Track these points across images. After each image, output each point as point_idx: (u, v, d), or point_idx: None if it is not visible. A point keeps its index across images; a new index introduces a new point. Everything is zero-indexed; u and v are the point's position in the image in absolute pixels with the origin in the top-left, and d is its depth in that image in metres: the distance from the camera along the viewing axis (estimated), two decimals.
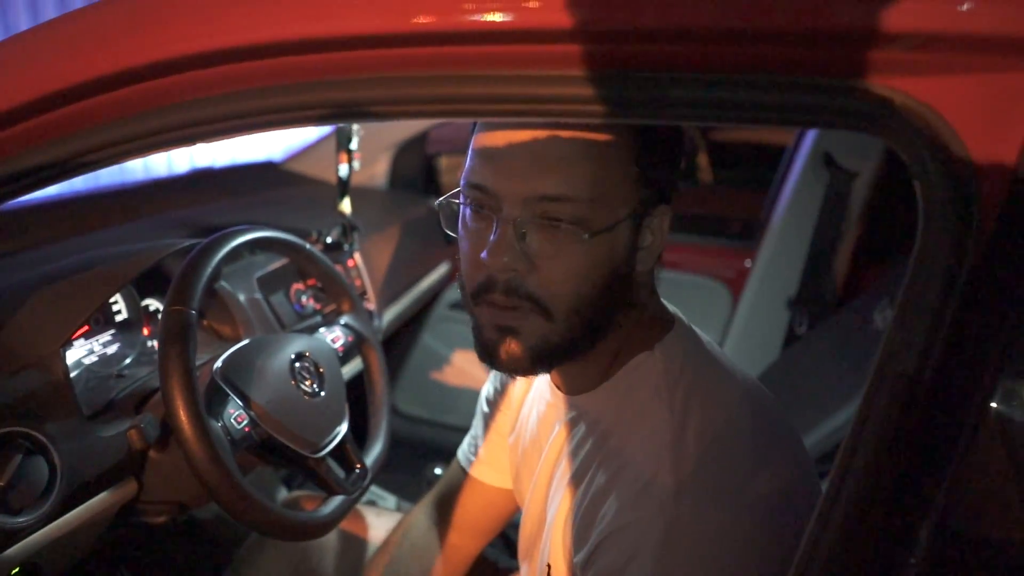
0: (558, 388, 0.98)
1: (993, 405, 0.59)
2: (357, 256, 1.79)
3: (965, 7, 0.56)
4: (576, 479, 0.91)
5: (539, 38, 0.65)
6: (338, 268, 1.48)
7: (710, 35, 0.62)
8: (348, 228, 1.77)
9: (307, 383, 1.19)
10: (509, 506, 1.24)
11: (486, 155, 0.83)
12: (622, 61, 0.66)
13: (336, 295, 1.45)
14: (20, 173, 0.84)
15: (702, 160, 3.99)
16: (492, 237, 0.82)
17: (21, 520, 0.90)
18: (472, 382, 2.61)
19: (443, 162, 2.86)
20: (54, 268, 1.13)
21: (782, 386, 2.30)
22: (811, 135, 2.49)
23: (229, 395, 1.07)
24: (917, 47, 0.58)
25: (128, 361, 1.22)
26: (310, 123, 0.79)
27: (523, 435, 1.10)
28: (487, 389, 1.23)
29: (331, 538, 1.44)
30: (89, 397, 1.08)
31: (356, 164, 1.78)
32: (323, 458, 1.16)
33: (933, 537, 0.60)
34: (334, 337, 1.36)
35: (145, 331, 1.27)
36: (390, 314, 2.04)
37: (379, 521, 1.51)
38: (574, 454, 0.93)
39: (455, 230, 0.89)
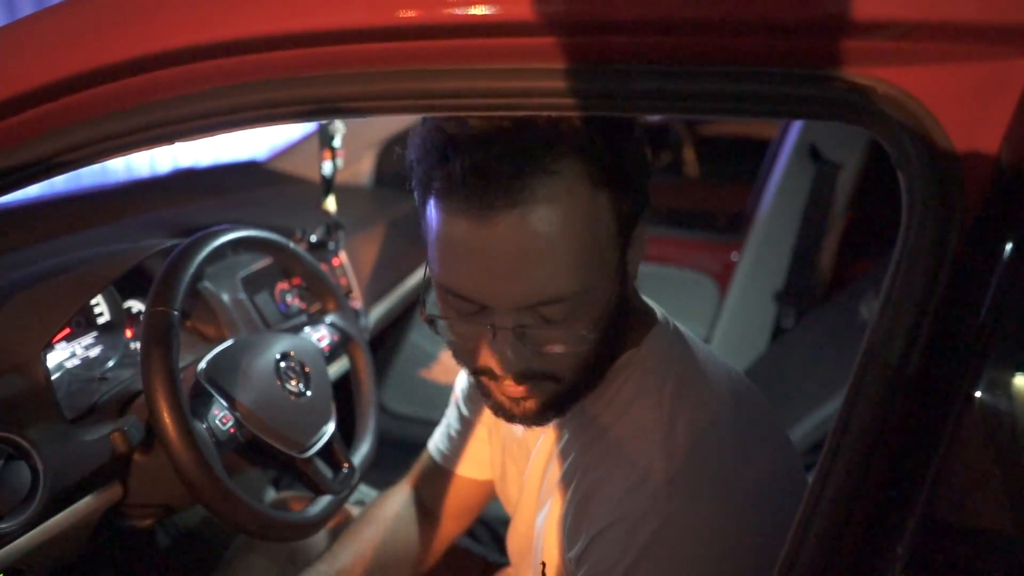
0: None
1: (977, 394, 0.59)
2: (342, 255, 1.78)
3: None
4: (568, 477, 0.91)
5: (516, 31, 0.64)
6: (323, 267, 1.48)
7: (691, 26, 0.62)
8: (333, 227, 1.76)
9: (293, 383, 1.18)
10: (485, 495, 1.25)
11: (459, 261, 0.77)
12: (600, 53, 0.65)
13: (321, 294, 1.45)
14: None
15: (688, 154, 4.00)
16: (492, 341, 0.79)
17: (3, 526, 0.88)
18: None
19: None
20: (34, 271, 1.11)
21: (769, 379, 2.31)
22: (796, 128, 2.50)
23: (214, 396, 1.06)
24: (899, 36, 0.58)
25: (111, 364, 1.21)
26: (291, 120, 0.78)
27: (507, 434, 1.09)
28: (462, 384, 1.23)
29: (319, 538, 1.43)
30: (71, 400, 1.06)
31: (340, 162, 1.76)
32: (310, 458, 1.16)
33: (919, 527, 0.60)
34: (320, 336, 1.35)
35: (128, 333, 1.26)
36: (377, 312, 2.03)
37: None
38: (565, 453, 0.93)
39: (446, 334, 0.86)
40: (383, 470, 1.53)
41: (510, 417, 0.88)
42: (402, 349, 2.71)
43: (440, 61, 0.69)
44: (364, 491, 1.77)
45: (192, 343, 1.31)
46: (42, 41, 0.76)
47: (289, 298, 1.54)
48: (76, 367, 1.14)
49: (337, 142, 1.74)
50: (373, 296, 2.00)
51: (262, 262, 1.50)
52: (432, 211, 0.78)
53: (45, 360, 1.01)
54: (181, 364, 1.02)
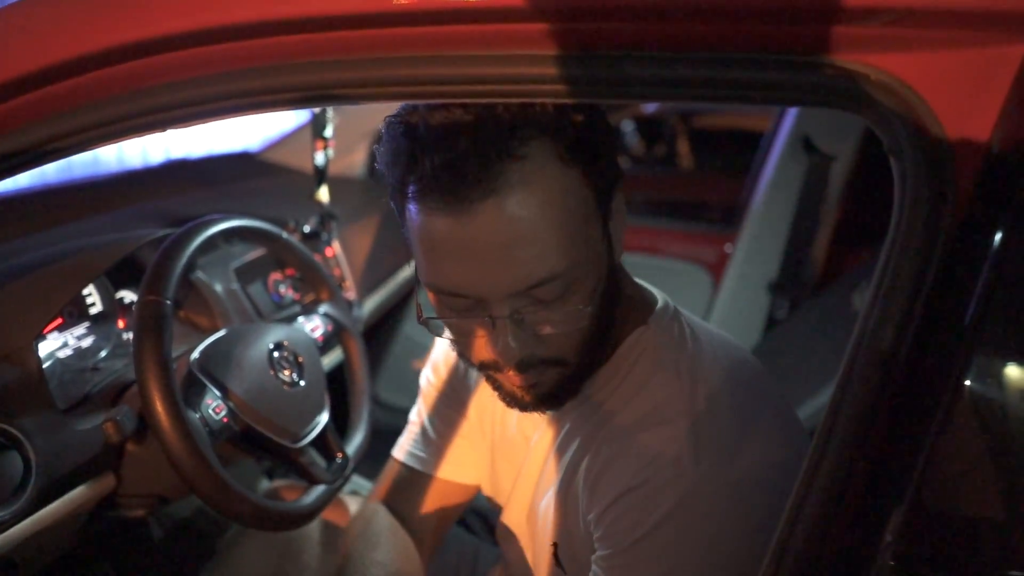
0: None
1: (967, 383, 0.59)
2: (335, 245, 1.77)
3: None
4: (579, 456, 0.92)
5: (509, 17, 0.64)
6: (316, 257, 1.47)
7: (683, 13, 0.62)
8: (326, 217, 1.76)
9: (286, 373, 1.18)
10: (468, 498, 1.21)
11: (444, 259, 0.77)
12: (592, 40, 0.65)
13: (315, 284, 1.44)
14: None
15: (682, 146, 4.00)
16: (492, 333, 0.79)
17: None
18: None
19: None
20: (25, 260, 1.11)
21: None
22: (790, 119, 2.50)
23: (207, 386, 1.06)
24: (891, 22, 0.58)
25: (103, 354, 1.20)
26: (284, 107, 0.78)
27: (497, 434, 1.09)
28: (426, 386, 1.20)
29: (313, 528, 1.43)
30: (64, 390, 1.06)
31: (332, 152, 1.76)
32: (304, 448, 1.16)
33: (908, 514, 0.60)
34: (313, 327, 1.35)
35: (120, 323, 1.26)
36: (370, 303, 2.03)
37: None
38: (573, 435, 0.94)
39: (445, 335, 0.86)
40: (376, 460, 1.53)
41: (524, 406, 0.89)
42: (395, 340, 2.71)
43: (433, 48, 0.69)
44: (357, 481, 1.78)
45: (185, 333, 1.31)
46: (32, 27, 0.76)
47: (282, 288, 1.54)
48: (68, 357, 1.14)
49: (329, 132, 1.74)
50: (366, 286, 2.00)
51: (255, 252, 1.50)
52: (411, 215, 0.78)
53: (37, 350, 1.01)
54: (174, 354, 1.02)
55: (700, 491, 0.80)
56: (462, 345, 0.86)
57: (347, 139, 2.18)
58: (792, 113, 2.47)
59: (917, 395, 0.61)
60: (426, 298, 0.86)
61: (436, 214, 0.75)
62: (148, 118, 0.78)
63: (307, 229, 1.70)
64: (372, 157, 2.58)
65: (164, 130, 0.80)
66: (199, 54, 0.72)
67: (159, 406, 0.96)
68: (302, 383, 1.19)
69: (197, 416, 1.02)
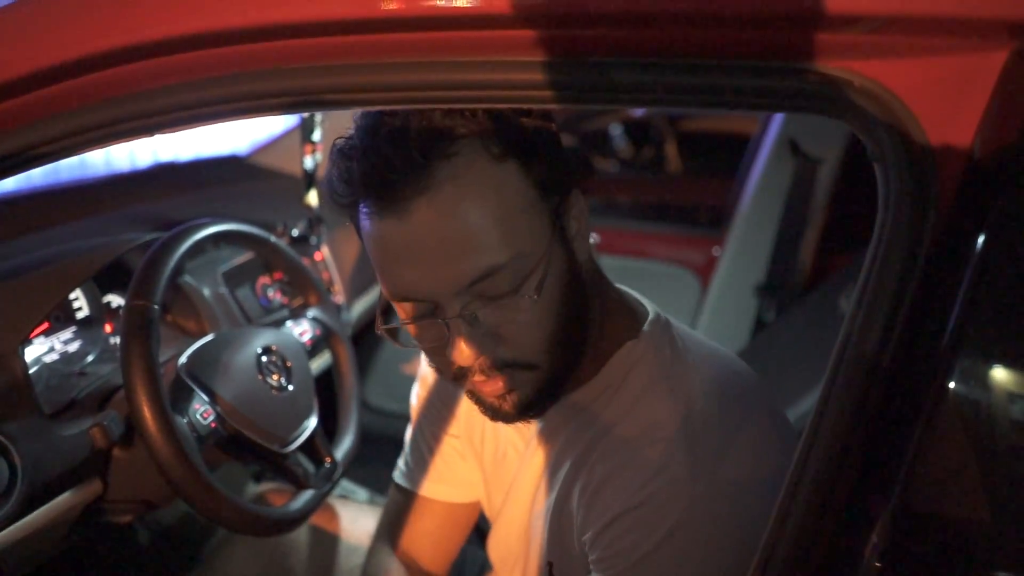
0: None
1: (951, 385, 0.59)
2: (324, 249, 1.77)
3: None
4: (573, 474, 0.91)
5: (498, 24, 0.64)
6: (305, 261, 1.47)
7: (670, 19, 0.62)
8: (315, 221, 1.75)
9: (274, 377, 1.18)
10: (472, 519, 1.19)
11: (391, 265, 0.79)
12: (580, 46, 0.66)
13: (303, 288, 1.44)
14: None
15: (670, 150, 4.01)
16: (448, 339, 0.80)
17: None
18: None
19: None
20: (11, 264, 1.10)
21: None
22: (776, 123, 2.51)
23: (195, 391, 1.06)
24: (874, 30, 0.59)
25: (90, 359, 1.20)
26: (272, 112, 0.78)
27: (487, 446, 1.08)
28: (417, 406, 1.18)
29: (302, 533, 1.43)
30: (50, 395, 1.06)
31: (320, 156, 1.76)
32: (292, 452, 1.16)
33: (894, 516, 0.61)
34: (302, 331, 1.34)
35: (107, 328, 1.25)
36: (359, 307, 2.02)
37: (350, 515, 1.50)
38: (566, 453, 0.92)
39: (413, 344, 0.87)
40: (365, 465, 1.53)
41: (505, 417, 0.87)
42: (384, 344, 2.70)
43: (422, 53, 0.69)
44: (346, 486, 1.77)
45: (173, 338, 1.30)
46: (19, 31, 0.75)
47: (271, 292, 1.53)
48: (54, 362, 1.14)
49: (318, 136, 1.74)
50: (355, 291, 1.99)
51: (243, 256, 1.49)
52: (362, 227, 0.81)
53: (23, 354, 1.01)
54: (161, 359, 1.01)
55: (698, 509, 0.79)
56: (431, 357, 0.87)
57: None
58: (779, 117, 2.49)
59: (902, 398, 0.61)
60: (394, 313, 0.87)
61: (375, 218, 0.77)
62: (136, 123, 0.78)
63: (296, 233, 1.70)
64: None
65: (153, 135, 0.80)
66: (188, 59, 0.72)
67: (146, 411, 0.96)
68: (290, 387, 1.19)
69: (185, 421, 1.02)
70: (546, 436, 0.96)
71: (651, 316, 0.92)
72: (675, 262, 2.82)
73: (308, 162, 1.75)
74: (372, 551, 1.19)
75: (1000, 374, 0.60)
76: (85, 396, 1.10)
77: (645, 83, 0.65)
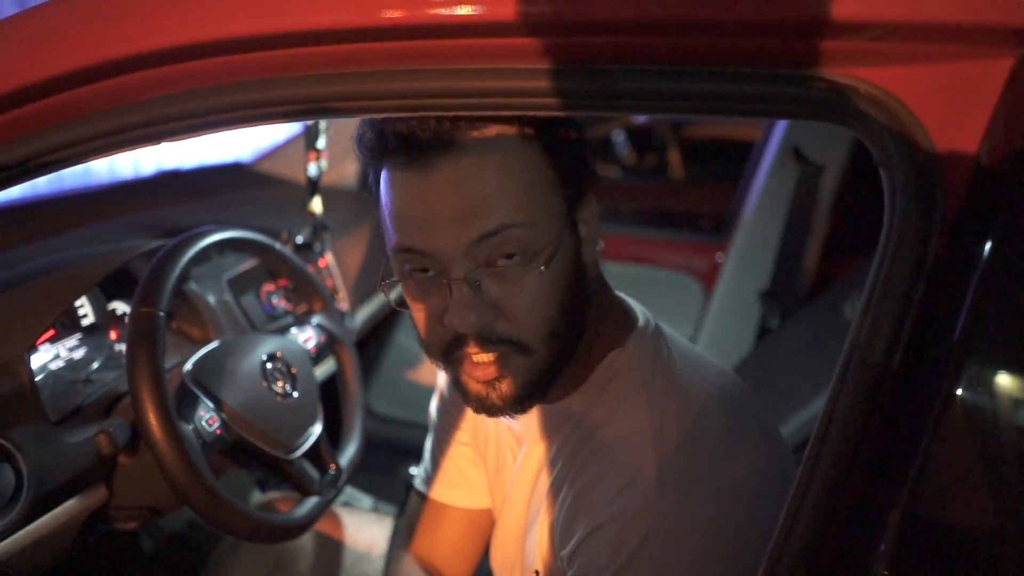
0: None
1: (959, 392, 0.59)
2: (328, 256, 1.77)
3: None
4: (559, 482, 0.91)
5: (501, 31, 0.65)
6: (309, 268, 1.47)
7: (675, 26, 0.62)
8: (319, 228, 1.76)
9: (279, 384, 1.18)
10: (491, 524, 1.18)
11: (406, 215, 0.80)
12: (584, 53, 0.66)
13: (307, 295, 1.44)
14: None
15: (673, 156, 4.02)
16: (449, 300, 0.80)
17: None
18: None
19: None
20: (17, 272, 1.11)
21: (755, 380, 2.32)
22: (780, 130, 2.51)
23: (200, 398, 1.06)
24: (880, 36, 0.59)
25: (96, 365, 1.20)
26: (276, 120, 0.78)
27: (489, 451, 1.08)
28: (435, 415, 1.19)
29: (306, 540, 1.43)
30: (56, 402, 1.06)
31: (325, 163, 1.76)
32: (296, 459, 1.15)
33: (902, 523, 0.61)
34: (306, 338, 1.34)
35: (112, 335, 1.25)
36: (363, 314, 2.03)
37: (355, 522, 1.50)
38: (555, 460, 0.92)
39: (406, 305, 0.87)
40: (369, 472, 1.53)
41: (489, 407, 0.86)
42: (388, 351, 2.70)
43: (425, 61, 0.70)
44: (351, 493, 1.77)
45: (178, 345, 1.30)
46: (25, 42, 0.76)
47: (275, 299, 1.53)
48: (60, 369, 1.14)
49: (322, 143, 1.74)
50: (359, 297, 2.00)
51: (248, 263, 1.50)
52: (383, 186, 0.83)
53: (29, 362, 1.01)
54: (167, 366, 1.02)
55: (668, 523, 0.78)
56: (426, 327, 0.86)
57: (340, 150, 2.18)
58: (782, 123, 2.49)
59: (909, 405, 0.61)
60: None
61: (399, 171, 0.80)
62: (141, 131, 0.78)
63: (300, 240, 1.70)
64: (365, 168, 2.58)
65: (157, 143, 0.81)
66: (192, 68, 0.72)
67: (152, 418, 0.96)
68: (295, 394, 1.19)
69: (190, 428, 1.02)
70: (539, 442, 0.96)
71: (640, 323, 0.92)
72: (678, 269, 2.82)
73: (312, 169, 1.75)
74: (391, 558, 1.20)
75: (1008, 380, 0.60)
76: (91, 403, 1.10)
77: (650, 90, 0.66)
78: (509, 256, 0.79)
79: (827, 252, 2.70)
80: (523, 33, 0.64)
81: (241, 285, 1.47)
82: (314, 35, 0.69)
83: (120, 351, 1.25)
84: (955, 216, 0.60)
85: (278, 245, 1.38)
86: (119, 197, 1.88)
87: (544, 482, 0.94)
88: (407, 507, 1.24)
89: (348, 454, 1.30)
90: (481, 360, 0.82)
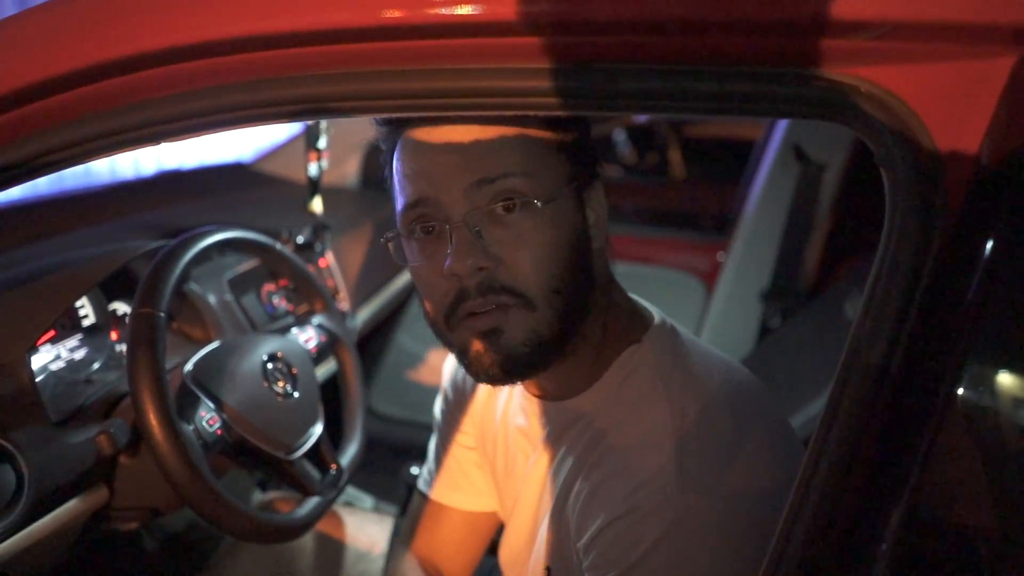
0: (541, 397, 0.97)
1: (960, 392, 0.59)
2: (329, 256, 1.77)
3: None
4: (572, 479, 0.91)
5: (501, 31, 0.64)
6: (310, 268, 1.47)
7: (675, 26, 0.62)
8: (319, 228, 1.75)
9: (280, 384, 1.18)
10: (492, 528, 1.20)
11: (413, 170, 0.84)
12: (584, 53, 0.66)
13: (308, 295, 1.44)
14: None
15: (674, 155, 4.01)
16: (450, 252, 0.81)
17: None
18: None
19: None
20: (18, 272, 1.11)
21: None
22: (781, 129, 2.51)
23: (200, 398, 1.06)
24: (882, 35, 0.59)
25: (96, 366, 1.20)
26: (277, 120, 0.78)
27: (498, 454, 1.08)
28: (439, 416, 1.19)
29: (307, 539, 1.43)
30: (57, 403, 1.06)
31: (325, 163, 1.76)
32: (297, 459, 1.15)
33: (903, 524, 0.60)
34: (307, 338, 1.34)
35: (113, 335, 1.25)
36: (364, 314, 2.03)
37: (356, 522, 1.50)
38: (569, 457, 0.92)
39: (405, 260, 0.88)
40: (370, 472, 1.53)
41: (489, 367, 0.84)
42: (389, 351, 2.70)
43: (426, 61, 0.70)
44: (352, 493, 1.77)
45: (178, 345, 1.30)
46: (26, 42, 0.76)
47: (276, 299, 1.53)
48: (61, 369, 1.14)
49: (323, 143, 1.74)
50: (360, 297, 2.00)
51: (249, 263, 1.50)
52: (396, 156, 0.87)
53: (30, 362, 1.01)
54: (167, 366, 1.01)
55: (687, 520, 0.79)
56: (430, 286, 0.86)
57: (340, 150, 2.19)
58: (783, 122, 2.49)
59: (910, 404, 0.61)
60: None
61: (412, 138, 0.84)
62: (142, 131, 0.78)
63: (300, 240, 1.70)
64: (365, 168, 2.59)
65: (158, 143, 0.81)
66: (193, 68, 0.72)
67: (152, 418, 0.96)
68: (296, 394, 1.19)
69: (191, 428, 1.02)
70: (551, 441, 0.96)
71: (656, 322, 0.92)
72: (680, 268, 2.82)
73: (313, 169, 1.75)
74: (392, 555, 1.21)
75: (1009, 380, 0.60)
76: (91, 404, 1.10)
77: (651, 90, 0.65)
78: (508, 208, 0.81)
79: (828, 251, 2.69)
80: (524, 32, 0.64)
81: (242, 285, 1.46)
82: (315, 35, 0.69)
83: (121, 352, 1.25)
84: (956, 215, 0.59)
85: (279, 245, 1.38)
86: (120, 198, 1.89)
87: (558, 479, 0.94)
88: (409, 507, 1.24)
89: (349, 454, 1.30)
90: (481, 310, 0.82)
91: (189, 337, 1.33)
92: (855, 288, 2.23)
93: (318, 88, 0.73)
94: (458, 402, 1.15)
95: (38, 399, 1.00)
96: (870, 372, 0.61)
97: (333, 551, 1.44)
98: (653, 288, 2.79)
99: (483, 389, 1.12)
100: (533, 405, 0.98)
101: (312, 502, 1.17)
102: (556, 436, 0.95)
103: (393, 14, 0.65)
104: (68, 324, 1.19)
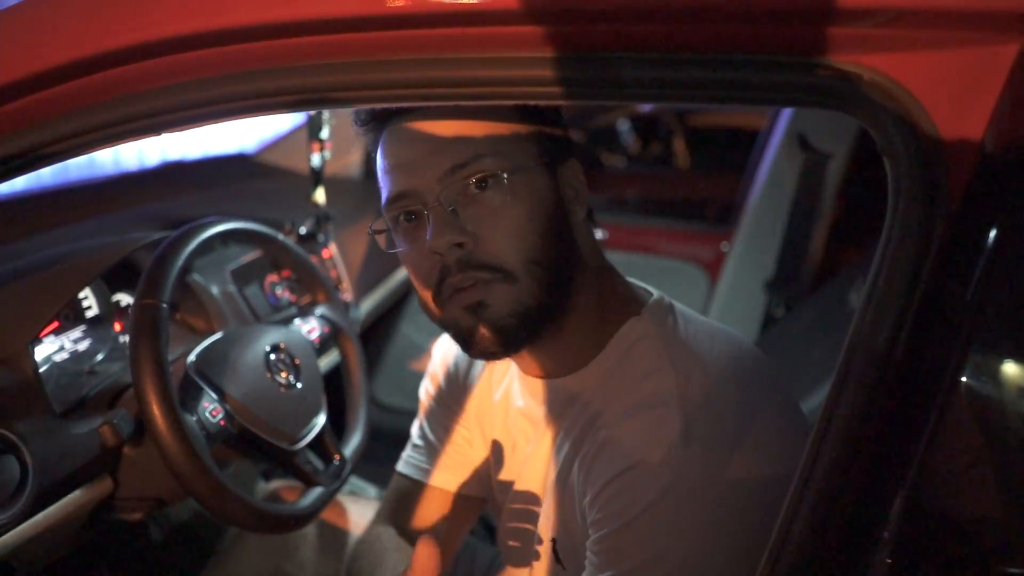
0: (542, 377, 0.97)
1: (963, 380, 0.59)
2: (332, 246, 1.77)
3: None
4: (574, 450, 0.92)
5: (503, 19, 0.64)
6: (313, 259, 1.47)
7: (679, 14, 0.62)
8: (322, 218, 1.75)
9: (283, 375, 1.18)
10: (474, 514, 1.20)
11: (391, 165, 0.88)
12: (588, 41, 0.65)
13: (311, 286, 1.44)
14: None
15: (678, 145, 4.00)
16: (429, 233, 0.84)
17: None
18: None
19: None
20: (21, 264, 1.11)
21: None
22: (785, 118, 2.50)
23: (203, 389, 1.06)
24: (885, 23, 0.58)
25: (100, 357, 1.20)
26: (279, 110, 0.78)
27: (496, 434, 1.08)
28: (424, 399, 1.20)
29: (312, 529, 1.43)
30: (60, 394, 1.06)
31: (328, 154, 1.76)
32: (301, 450, 1.16)
33: (905, 514, 0.60)
34: (310, 328, 1.34)
35: (116, 326, 1.25)
36: (367, 304, 2.03)
37: (360, 512, 1.50)
38: (570, 432, 0.93)
39: (393, 246, 0.92)
40: (374, 462, 1.53)
41: (477, 340, 0.87)
42: (392, 341, 2.70)
43: (428, 50, 0.69)
44: (355, 483, 1.78)
45: (181, 336, 1.31)
46: (26, 31, 0.76)
47: (279, 290, 1.54)
48: (64, 360, 1.14)
49: (325, 134, 1.74)
50: (363, 288, 2.00)
51: (251, 254, 1.50)
52: (379, 152, 0.90)
53: (33, 353, 1.01)
54: (170, 357, 1.02)
55: (691, 473, 0.80)
56: (415, 269, 0.90)
57: (343, 141, 2.18)
58: (787, 111, 2.48)
59: (913, 393, 0.61)
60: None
61: (388, 131, 0.89)
62: (144, 122, 0.78)
63: (303, 231, 1.70)
64: (368, 159, 2.58)
65: (161, 133, 0.80)
66: (196, 57, 0.72)
67: (156, 409, 0.96)
68: (299, 385, 1.19)
69: (194, 419, 1.02)
70: (553, 419, 0.97)
71: (655, 298, 0.94)
72: (683, 258, 2.81)
73: (315, 160, 1.75)
74: (369, 531, 1.19)
75: (1012, 369, 0.60)
76: (95, 395, 1.10)
77: (654, 78, 0.65)
78: (482, 187, 0.84)
79: (832, 241, 2.69)
80: (527, 21, 0.64)
81: (245, 276, 1.47)
82: (318, 24, 0.68)
83: (124, 343, 1.25)
84: (959, 204, 0.59)
85: (281, 236, 1.38)
86: (123, 189, 1.89)
87: (561, 453, 0.94)
88: (387, 490, 1.22)
89: (352, 444, 1.31)
90: (463, 285, 0.85)
91: (192, 328, 1.34)
92: (859, 277, 2.22)
93: (321, 78, 0.73)
94: (452, 387, 1.16)
95: (42, 390, 1.00)
96: (873, 361, 0.61)
97: (337, 540, 1.44)
98: (657, 278, 2.77)
99: (478, 372, 1.12)
100: (534, 386, 0.99)
101: (316, 492, 1.18)
102: (557, 414, 0.96)
103: (396, 3, 0.65)
104: (71, 315, 1.19)
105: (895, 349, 0.60)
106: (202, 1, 0.70)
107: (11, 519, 0.90)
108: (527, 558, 1.03)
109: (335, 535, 1.45)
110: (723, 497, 0.79)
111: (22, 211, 1.51)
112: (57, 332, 1.15)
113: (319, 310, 1.40)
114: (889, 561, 0.61)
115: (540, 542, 0.99)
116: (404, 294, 2.37)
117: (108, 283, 1.25)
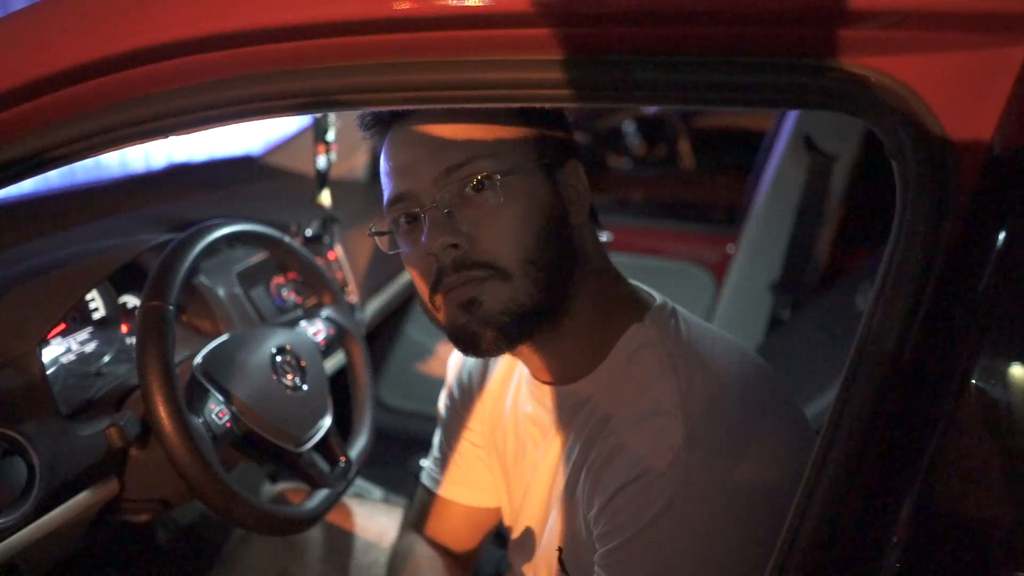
0: (549, 383, 0.98)
1: (973, 382, 0.59)
2: (338, 248, 1.77)
3: None
4: (582, 459, 0.92)
5: (511, 22, 0.64)
6: (319, 261, 1.47)
7: (686, 16, 0.62)
8: (328, 220, 1.75)
9: (289, 377, 1.18)
10: (492, 521, 1.22)
11: (391, 168, 0.89)
12: (595, 44, 0.65)
13: (317, 288, 1.44)
14: None
15: (684, 147, 4.00)
16: (425, 235, 0.85)
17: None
18: None
19: None
20: (28, 266, 1.11)
21: None
22: (791, 119, 2.49)
23: (210, 390, 1.06)
24: (893, 25, 0.58)
25: (106, 359, 1.20)
26: (285, 113, 0.78)
27: (508, 442, 1.09)
28: (443, 412, 1.22)
29: (318, 531, 1.43)
30: (67, 396, 1.06)
31: (334, 156, 1.76)
32: (307, 452, 1.16)
33: (915, 515, 0.60)
34: (316, 330, 1.35)
35: (123, 328, 1.26)
36: (373, 306, 2.03)
37: (365, 513, 1.50)
38: (577, 440, 0.93)
39: (394, 247, 0.94)
40: (380, 464, 1.53)
41: (472, 336, 0.87)
42: (398, 343, 2.70)
43: (435, 53, 0.69)
44: (361, 484, 1.78)
45: (188, 338, 1.31)
46: (36, 35, 0.76)
47: (285, 292, 1.54)
48: (71, 362, 1.14)
49: (331, 136, 1.74)
50: (369, 290, 2.00)
51: (258, 256, 1.50)
52: (383, 150, 0.91)
53: (40, 355, 1.01)
54: (177, 359, 1.02)
55: (696, 480, 0.80)
56: (415, 268, 0.90)
57: (349, 143, 2.18)
58: (794, 113, 2.47)
59: (922, 395, 0.61)
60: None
61: (390, 135, 0.90)
62: (151, 125, 0.78)
63: (309, 233, 1.70)
64: (374, 161, 2.59)
65: (168, 136, 0.81)
66: (202, 61, 0.72)
67: (162, 411, 0.96)
68: (305, 387, 1.20)
69: (200, 421, 1.02)
70: (561, 425, 0.97)
71: (658, 303, 0.94)
72: (689, 259, 2.81)
73: (321, 162, 1.75)
74: (401, 536, 1.25)
75: (1021, 371, 0.59)
76: (102, 396, 1.11)
77: (664, 81, 0.65)
78: (477, 188, 0.85)
79: (839, 242, 2.68)
80: (535, 24, 0.64)
81: (251, 278, 1.47)
82: (325, 27, 0.68)
83: (131, 344, 1.25)
84: (968, 206, 0.59)
85: (287, 238, 1.38)
86: (130, 191, 1.89)
87: (569, 461, 0.95)
88: (414, 500, 1.27)
89: (358, 446, 1.31)
90: (458, 283, 0.86)
91: (198, 330, 1.34)
92: (866, 280, 2.22)
93: (328, 81, 0.73)
94: (464, 399, 1.17)
95: (49, 392, 1.00)
96: (881, 363, 0.60)
97: (343, 542, 1.44)
98: (662, 280, 2.77)
99: (492, 383, 1.13)
100: (541, 392, 0.99)
101: (321, 494, 1.18)
102: (565, 420, 0.96)
103: (403, 5, 0.65)
104: (78, 317, 1.19)
105: (903, 351, 0.60)
106: (209, 5, 0.70)
107: (18, 520, 0.90)
108: (534, 566, 1.03)
109: (341, 537, 1.45)
110: (728, 504, 0.79)
111: (30, 213, 1.52)
112: (64, 334, 1.15)
113: (325, 312, 1.40)
114: (898, 564, 0.60)
115: (547, 550, 0.98)
116: (410, 296, 2.37)
117: (115, 285, 1.26)
